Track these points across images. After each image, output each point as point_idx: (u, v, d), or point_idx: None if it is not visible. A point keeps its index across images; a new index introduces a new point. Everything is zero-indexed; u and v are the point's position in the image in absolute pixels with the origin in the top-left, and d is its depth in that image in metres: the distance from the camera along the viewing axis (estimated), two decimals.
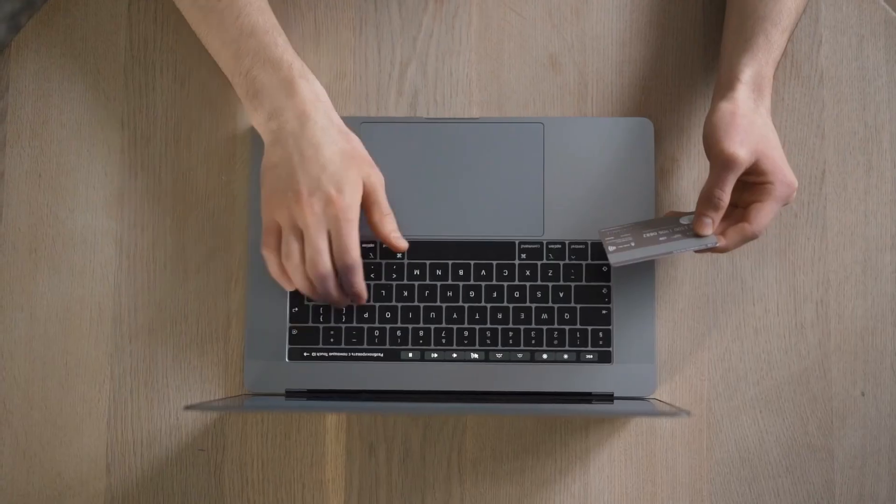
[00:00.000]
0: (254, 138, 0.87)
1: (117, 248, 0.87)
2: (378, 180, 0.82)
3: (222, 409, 0.70)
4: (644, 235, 0.80)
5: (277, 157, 0.80)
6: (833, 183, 0.87)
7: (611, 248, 0.80)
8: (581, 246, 0.85)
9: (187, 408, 0.69)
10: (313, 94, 0.81)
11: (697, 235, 0.78)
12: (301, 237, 0.80)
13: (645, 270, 0.84)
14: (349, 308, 0.85)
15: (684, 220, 0.81)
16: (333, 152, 0.80)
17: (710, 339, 0.85)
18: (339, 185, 0.79)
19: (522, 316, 0.84)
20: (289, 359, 0.85)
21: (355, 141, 0.82)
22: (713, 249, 0.78)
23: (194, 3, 0.83)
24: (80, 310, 0.87)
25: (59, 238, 0.87)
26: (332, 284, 0.80)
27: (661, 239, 0.80)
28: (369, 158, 0.83)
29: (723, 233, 0.78)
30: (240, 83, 0.82)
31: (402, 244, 0.84)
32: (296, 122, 0.80)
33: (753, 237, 0.78)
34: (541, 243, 0.85)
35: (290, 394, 0.84)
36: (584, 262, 0.85)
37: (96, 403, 0.86)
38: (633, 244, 0.80)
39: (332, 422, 0.85)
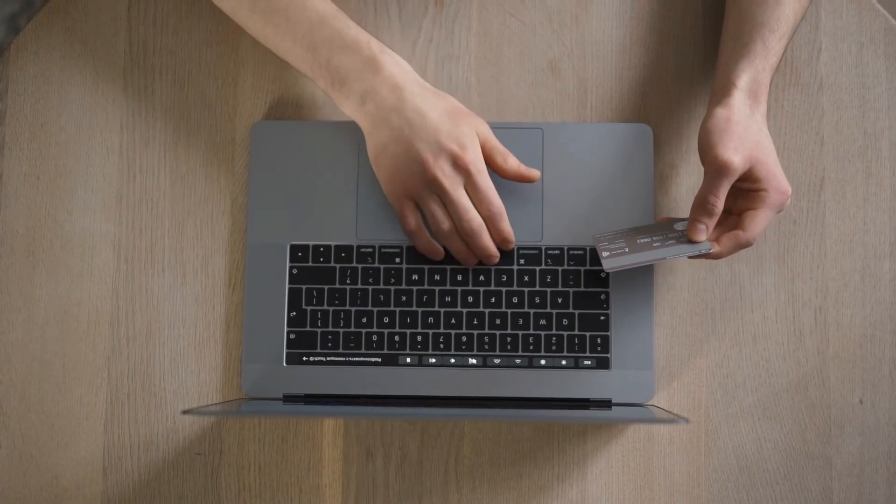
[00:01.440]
0: (253, 141, 0.87)
1: (115, 250, 0.87)
2: (486, 128, 0.83)
3: (219, 414, 0.69)
4: (638, 241, 0.80)
5: (386, 135, 0.80)
6: (832, 190, 0.87)
7: (604, 254, 0.80)
8: (580, 252, 0.85)
9: (184, 412, 0.69)
10: (398, 66, 0.81)
11: (691, 241, 0.78)
12: (441, 202, 0.81)
13: (643, 277, 0.84)
14: (346, 313, 0.84)
15: (678, 227, 0.81)
16: (439, 113, 0.80)
17: (709, 345, 0.85)
18: (459, 140, 0.80)
19: (520, 321, 0.84)
20: (286, 363, 0.84)
21: (451, 98, 0.83)
22: (707, 255, 0.78)
23: (254, 9, 0.82)
24: (78, 312, 0.87)
25: (57, 240, 0.87)
26: (486, 236, 0.82)
27: (654, 245, 0.80)
28: (469, 111, 0.83)
29: (717, 239, 0.78)
30: (322, 75, 0.82)
31: (535, 173, 0.84)
32: (392, 97, 0.80)
33: (747, 244, 0.78)
34: (539, 249, 0.85)
35: (288, 398, 0.84)
36: (582, 268, 0.84)
37: (93, 406, 0.86)
38: (626, 250, 0.80)
39: (330, 426, 0.85)
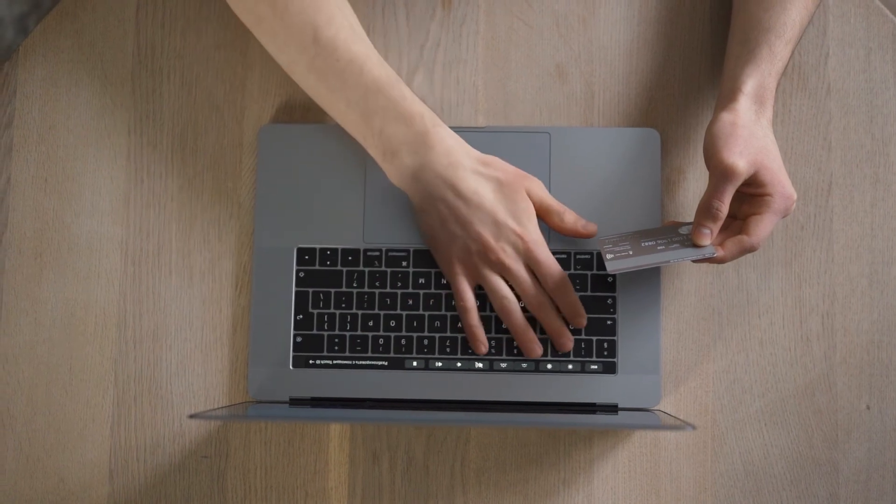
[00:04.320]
0: (261, 144, 0.87)
1: (123, 253, 0.87)
2: (538, 187, 0.83)
3: (226, 417, 0.69)
4: (642, 244, 0.80)
5: (443, 214, 0.81)
6: (840, 195, 0.87)
7: (609, 256, 0.80)
8: (586, 256, 0.85)
9: (191, 416, 0.69)
10: (452, 140, 0.82)
11: (696, 245, 0.78)
12: (502, 278, 0.81)
13: (650, 281, 0.84)
14: (353, 316, 0.84)
15: (683, 230, 0.81)
16: (492, 190, 0.81)
17: (716, 350, 0.85)
18: (517, 217, 0.81)
19: None
20: (293, 366, 0.84)
21: (500, 163, 0.83)
22: (711, 260, 0.78)
23: (312, 68, 0.81)
24: (85, 315, 0.87)
25: (65, 243, 0.87)
26: (552, 312, 0.82)
27: (659, 248, 0.80)
28: (519, 171, 0.83)
29: (721, 244, 0.78)
30: (374, 143, 0.82)
31: (592, 228, 0.83)
32: (447, 174, 0.80)
33: (752, 249, 0.78)
34: None
35: (294, 401, 0.84)
36: (589, 273, 0.84)
37: (100, 409, 0.86)
38: (630, 252, 0.80)
39: (336, 430, 0.85)
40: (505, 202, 0.81)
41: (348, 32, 0.81)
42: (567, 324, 0.83)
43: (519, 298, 0.82)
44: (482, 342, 0.83)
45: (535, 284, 0.81)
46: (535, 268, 0.81)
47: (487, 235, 0.80)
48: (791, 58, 0.83)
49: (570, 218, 0.83)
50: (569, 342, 0.82)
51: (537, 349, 0.82)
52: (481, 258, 0.81)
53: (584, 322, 0.83)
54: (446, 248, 0.82)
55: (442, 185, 0.81)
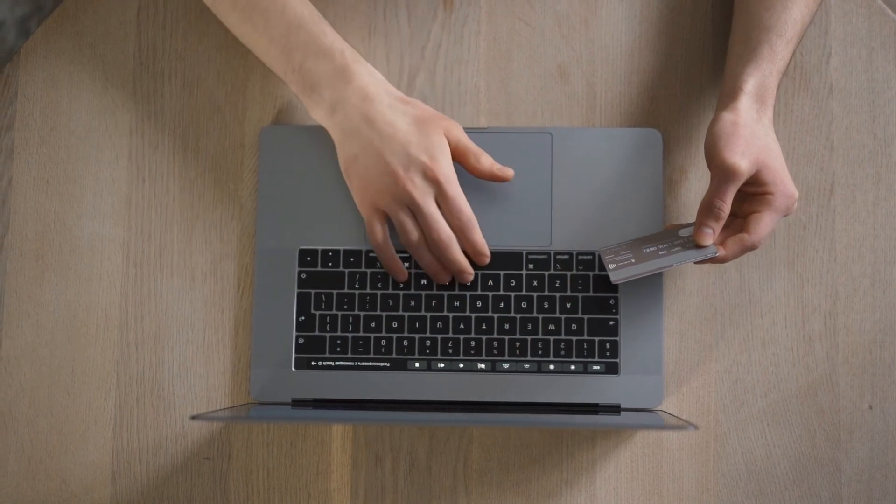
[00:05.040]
0: (262, 145, 0.87)
1: (124, 255, 0.87)
2: (457, 129, 0.83)
3: (228, 419, 0.69)
4: (644, 250, 0.80)
5: (356, 146, 0.81)
6: (842, 195, 0.87)
7: (611, 266, 0.80)
8: (589, 257, 0.85)
9: (193, 418, 0.69)
10: (370, 75, 0.82)
11: (698, 246, 0.78)
12: (411, 214, 0.81)
13: (652, 282, 0.84)
14: (355, 317, 0.84)
15: (683, 233, 0.81)
16: (408, 123, 0.81)
17: (718, 350, 0.85)
18: (429, 151, 0.80)
19: (529, 326, 0.84)
20: (295, 368, 0.84)
21: (419, 104, 0.83)
22: (713, 259, 0.78)
23: (235, 6, 0.82)
24: (87, 317, 0.87)
25: (67, 245, 0.87)
26: (457, 248, 0.82)
27: (661, 253, 0.80)
28: (438, 113, 0.83)
29: (722, 243, 0.78)
30: (294, 79, 0.82)
31: (508, 172, 0.83)
32: (363, 107, 0.81)
33: (753, 248, 0.78)
34: (548, 254, 0.85)
35: (297, 403, 0.84)
36: (591, 273, 0.84)
37: (102, 411, 0.86)
38: (633, 260, 0.80)
39: (339, 431, 0.85)
40: (419, 135, 0.80)
41: None
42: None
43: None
44: (401, 272, 0.84)
45: (439, 220, 0.81)
46: (443, 203, 0.81)
47: (397, 166, 0.80)
48: (793, 57, 0.83)
49: (486, 161, 0.83)
50: (469, 275, 0.83)
51: (444, 277, 0.83)
52: (390, 190, 0.80)
53: (487, 259, 0.83)
54: (359, 181, 0.82)
55: (358, 117, 0.81)
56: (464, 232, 0.82)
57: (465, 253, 0.83)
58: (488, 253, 0.83)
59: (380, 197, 0.81)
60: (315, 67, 0.81)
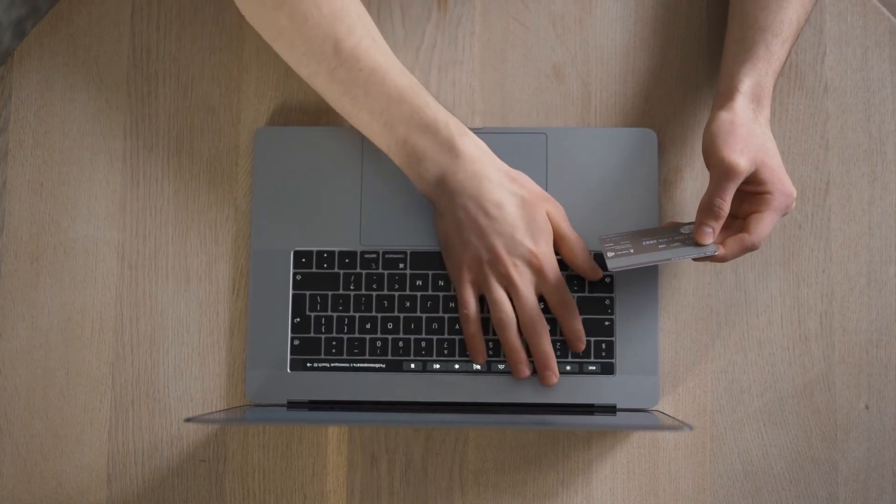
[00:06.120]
0: (257, 147, 0.86)
1: (119, 257, 0.87)
2: (559, 212, 0.83)
3: (223, 421, 0.69)
4: (643, 243, 0.80)
5: (462, 221, 0.81)
6: (837, 194, 0.87)
7: (609, 255, 0.80)
8: None
9: (188, 420, 0.68)
10: (478, 150, 0.81)
11: (697, 244, 0.78)
12: (506, 294, 0.81)
13: (648, 281, 0.84)
14: (351, 319, 0.84)
15: (684, 230, 0.80)
16: (515, 205, 0.81)
17: (714, 350, 0.85)
18: (534, 236, 0.80)
19: None
20: (290, 369, 0.84)
21: (526, 180, 0.82)
22: (712, 258, 0.78)
23: (333, 79, 0.81)
24: (82, 319, 0.87)
25: (61, 247, 0.87)
26: (548, 337, 0.82)
27: (660, 246, 0.79)
28: (544, 193, 0.83)
29: (722, 242, 0.78)
30: (397, 152, 0.81)
31: (598, 273, 0.83)
32: (471, 184, 0.80)
33: (753, 248, 0.77)
34: None
35: (292, 404, 0.84)
36: None
37: (97, 413, 0.86)
38: (631, 251, 0.80)
39: (334, 433, 0.85)
40: (525, 219, 0.80)
41: (369, 42, 0.81)
42: (561, 354, 0.84)
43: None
44: (481, 353, 0.83)
45: (535, 306, 0.81)
46: (543, 286, 0.81)
47: (501, 247, 0.80)
48: (788, 57, 0.83)
49: (581, 255, 0.83)
50: (553, 377, 0.82)
51: (525, 370, 0.82)
52: (491, 268, 0.80)
53: (583, 346, 0.83)
54: (458, 254, 0.82)
55: (466, 193, 0.80)
56: (566, 317, 0.82)
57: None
58: (584, 340, 0.83)
59: (479, 273, 0.81)
60: (420, 142, 0.80)
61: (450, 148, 0.80)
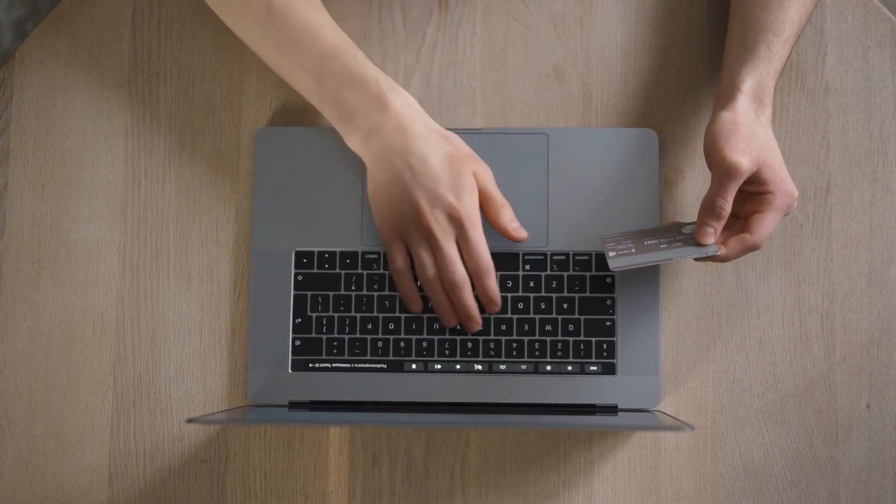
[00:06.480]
0: (258, 147, 0.87)
1: (120, 258, 0.87)
2: (486, 174, 0.83)
3: (225, 422, 0.69)
4: (645, 242, 0.80)
5: (386, 176, 0.80)
6: (838, 194, 0.87)
7: (611, 254, 0.80)
8: (585, 257, 0.84)
9: (189, 420, 0.68)
10: (406, 105, 0.81)
11: (699, 244, 0.78)
12: (430, 249, 0.81)
13: (649, 282, 0.84)
14: (352, 319, 0.84)
15: (686, 230, 0.81)
16: (441, 160, 0.80)
17: (715, 350, 0.85)
18: (457, 191, 0.80)
19: (526, 327, 0.84)
20: (292, 370, 0.84)
21: (456, 140, 0.82)
22: (714, 258, 0.78)
23: (266, 36, 0.82)
24: (83, 320, 0.87)
25: (62, 248, 0.87)
26: (468, 293, 0.81)
27: (661, 246, 0.79)
28: (473, 154, 0.83)
29: (724, 242, 0.78)
30: (329, 108, 0.82)
31: (522, 234, 0.83)
32: (397, 137, 0.80)
33: (755, 247, 0.78)
34: (545, 254, 0.85)
35: (294, 405, 0.84)
36: (588, 274, 0.84)
37: (99, 414, 0.86)
38: (633, 250, 0.80)
39: (336, 433, 0.85)
40: (450, 174, 0.80)
41: (302, 1, 0.81)
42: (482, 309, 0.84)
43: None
44: (416, 302, 0.83)
45: (456, 261, 0.81)
46: (463, 244, 0.81)
47: (423, 201, 0.80)
48: (789, 57, 0.83)
49: (506, 215, 0.83)
50: (476, 325, 0.83)
51: (452, 320, 0.83)
52: (413, 223, 0.80)
53: (497, 308, 0.83)
54: (383, 209, 0.82)
55: (392, 147, 0.80)
56: (479, 277, 0.81)
57: (477, 300, 0.83)
58: (500, 302, 0.83)
59: (402, 228, 0.81)
60: (349, 97, 0.81)
61: (378, 103, 0.80)
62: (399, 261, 0.82)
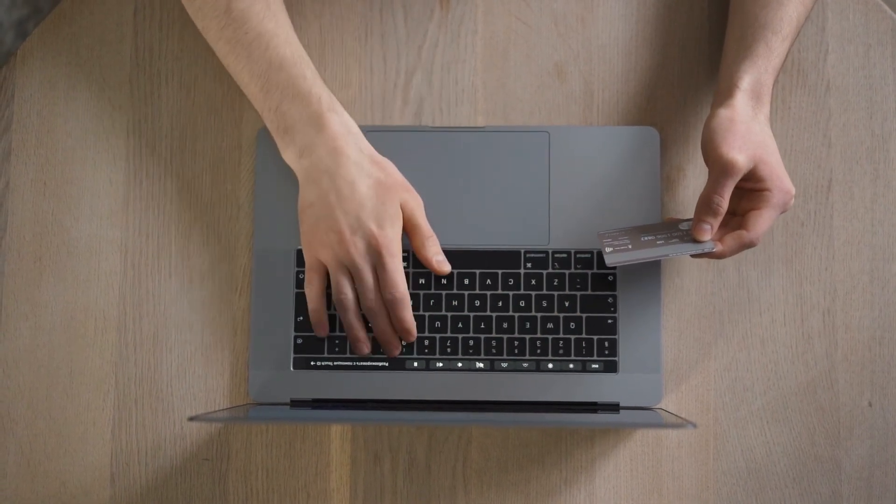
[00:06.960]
0: (259, 146, 0.87)
1: (122, 256, 0.87)
2: (416, 203, 0.83)
3: (226, 420, 0.69)
4: (642, 238, 0.80)
5: (314, 195, 0.80)
6: (840, 192, 0.87)
7: (608, 249, 0.80)
8: (587, 255, 0.85)
9: (191, 419, 0.69)
10: (344, 128, 0.81)
11: (695, 241, 0.78)
12: (349, 275, 0.81)
13: (651, 279, 0.84)
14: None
15: (683, 226, 0.81)
16: (368, 186, 0.80)
17: (717, 348, 0.85)
18: (379, 220, 0.80)
19: (528, 325, 0.84)
20: (293, 368, 0.84)
21: (389, 167, 0.82)
22: (710, 255, 0.78)
23: (221, 36, 0.82)
24: (85, 318, 0.87)
25: (64, 247, 0.87)
26: (384, 320, 0.81)
27: (658, 242, 0.80)
28: (405, 182, 0.83)
29: (720, 239, 0.78)
30: (270, 118, 0.82)
31: (445, 268, 0.84)
32: (329, 159, 0.80)
33: (751, 244, 0.78)
34: (546, 252, 0.85)
35: (295, 403, 0.84)
36: (589, 272, 0.84)
37: (101, 412, 0.86)
38: (630, 246, 0.80)
39: (337, 431, 0.85)
40: (374, 201, 0.80)
41: (261, 7, 0.82)
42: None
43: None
44: (323, 327, 0.83)
45: (374, 289, 0.81)
46: (381, 274, 0.80)
47: (344, 226, 0.79)
48: (789, 54, 0.83)
49: (431, 247, 0.83)
50: (395, 350, 0.83)
51: (364, 348, 0.83)
52: (333, 248, 0.80)
53: (412, 338, 0.83)
54: (308, 229, 0.82)
55: (322, 168, 0.80)
56: (393, 307, 0.81)
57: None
58: (415, 333, 0.83)
59: (323, 251, 0.81)
60: (290, 110, 0.81)
61: (317, 121, 0.81)
62: (315, 285, 0.82)
